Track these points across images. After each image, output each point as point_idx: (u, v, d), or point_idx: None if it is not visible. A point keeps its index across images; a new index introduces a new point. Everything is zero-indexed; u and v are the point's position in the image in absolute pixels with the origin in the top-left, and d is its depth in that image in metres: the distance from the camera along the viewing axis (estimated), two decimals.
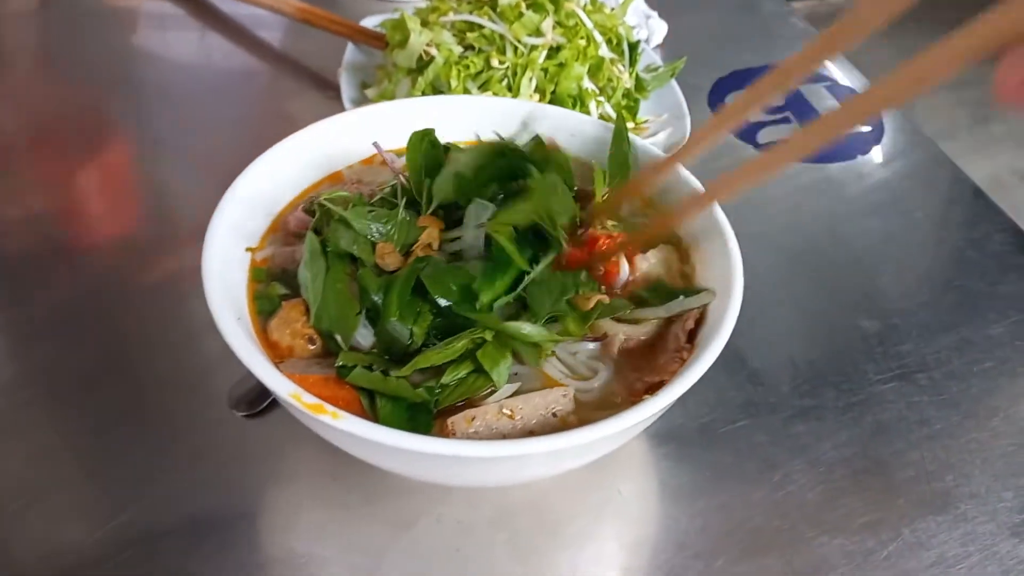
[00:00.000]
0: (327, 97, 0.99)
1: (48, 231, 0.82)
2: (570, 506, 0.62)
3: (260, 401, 0.64)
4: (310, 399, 0.46)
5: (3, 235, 0.81)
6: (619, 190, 0.63)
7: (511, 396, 0.51)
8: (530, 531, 0.60)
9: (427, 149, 0.61)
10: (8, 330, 0.73)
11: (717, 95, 1.05)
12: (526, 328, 0.52)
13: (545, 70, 0.83)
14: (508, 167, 0.59)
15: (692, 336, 0.56)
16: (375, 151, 0.64)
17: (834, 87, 1.08)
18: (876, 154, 0.99)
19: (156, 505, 0.60)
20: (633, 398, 0.52)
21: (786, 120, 1.01)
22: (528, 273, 0.54)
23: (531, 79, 0.82)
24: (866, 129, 1.01)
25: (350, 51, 0.98)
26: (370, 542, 0.58)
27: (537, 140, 0.64)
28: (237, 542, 0.58)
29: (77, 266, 0.78)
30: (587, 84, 0.84)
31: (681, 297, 0.57)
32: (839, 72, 1.12)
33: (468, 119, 0.70)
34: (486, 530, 0.60)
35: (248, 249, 0.59)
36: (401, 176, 0.61)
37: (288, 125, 0.65)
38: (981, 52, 0.28)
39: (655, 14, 1.13)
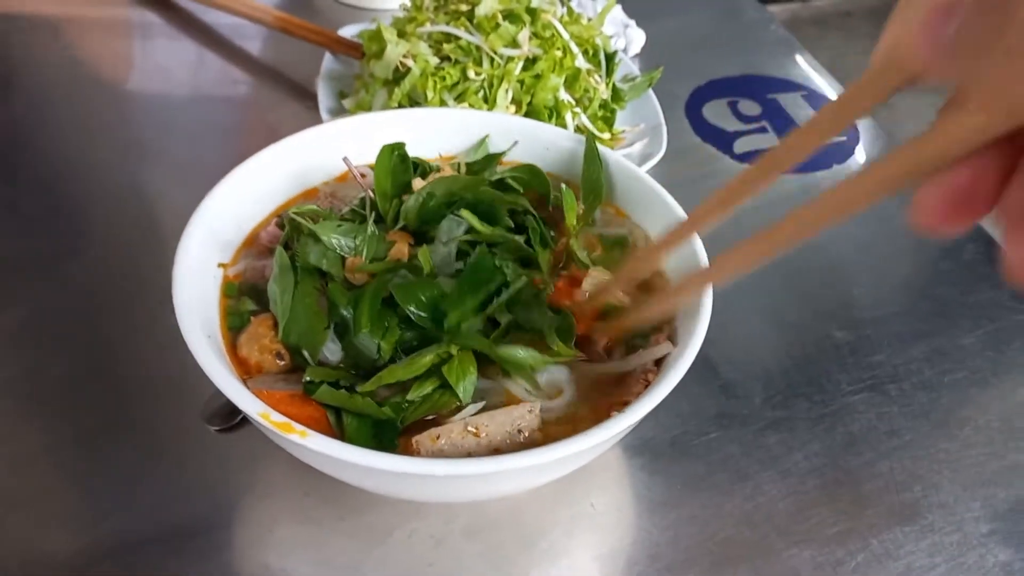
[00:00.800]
0: (306, 107, 0.99)
1: (27, 237, 0.82)
2: (544, 519, 0.62)
3: (233, 416, 0.64)
4: (278, 418, 0.46)
5: None
6: (626, 265, 0.60)
7: (476, 413, 0.52)
8: (504, 545, 0.60)
9: (396, 163, 0.62)
10: None
11: (694, 104, 1.05)
12: (519, 353, 0.52)
13: (521, 81, 0.84)
14: (481, 200, 0.59)
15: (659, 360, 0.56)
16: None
17: (811, 96, 1.09)
18: (852, 163, 0.99)
19: (135, 516, 0.60)
20: (599, 416, 0.52)
21: (763, 129, 1.02)
22: (500, 292, 0.55)
23: (507, 90, 0.83)
24: (842, 138, 1.02)
25: (328, 60, 0.98)
26: (343, 557, 0.59)
27: (515, 170, 0.65)
28: (213, 556, 0.58)
29: (56, 273, 0.78)
30: (563, 95, 0.85)
31: (640, 351, 0.56)
32: (818, 80, 1.13)
33: (444, 132, 0.70)
34: (460, 544, 0.60)
35: (220, 265, 0.59)
36: (370, 191, 0.61)
37: (267, 134, 0.65)
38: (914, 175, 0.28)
39: (633, 23, 1.13)
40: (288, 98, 1.03)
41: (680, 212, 0.62)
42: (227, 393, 0.47)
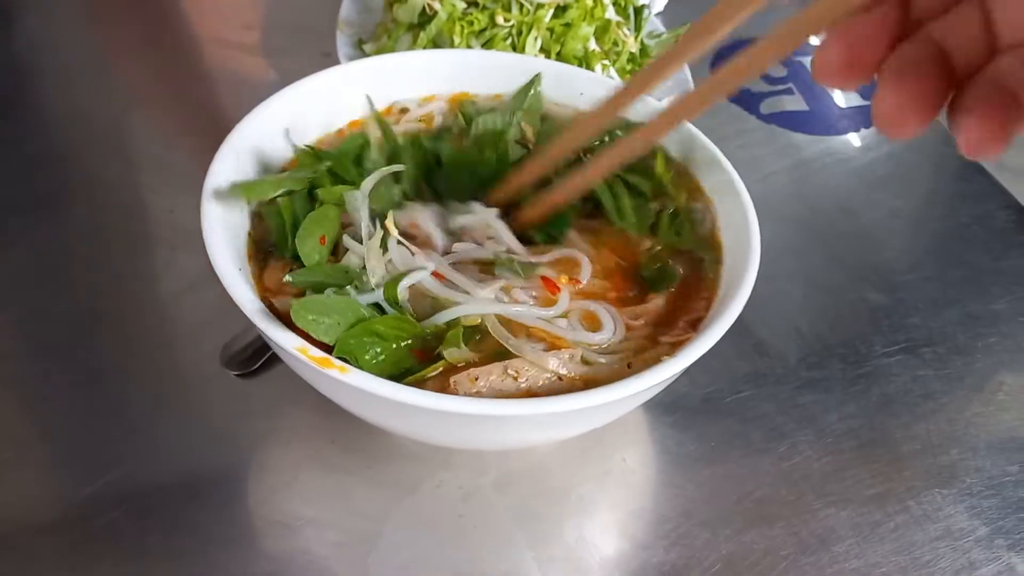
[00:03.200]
0: (322, 54, 0.95)
1: (32, 178, 0.79)
2: (573, 473, 0.60)
3: (254, 360, 0.62)
4: (316, 352, 0.44)
5: None
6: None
7: (515, 359, 0.49)
8: (534, 498, 0.58)
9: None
10: None
11: (719, 64, 1.02)
12: None
13: (551, 30, 0.81)
14: None
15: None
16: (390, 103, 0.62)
17: None
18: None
19: (148, 462, 0.57)
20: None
21: (789, 91, 1.00)
22: None
23: (536, 39, 0.80)
24: (867, 103, 1.00)
25: (345, 7, 0.94)
26: (370, 507, 0.57)
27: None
28: (233, 503, 0.56)
29: (63, 215, 0.75)
30: (593, 46, 0.82)
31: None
32: None
33: (489, 74, 0.67)
34: (490, 496, 0.58)
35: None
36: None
37: (284, 80, 0.62)
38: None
39: None
40: (302, 45, 0.99)
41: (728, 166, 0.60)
42: (261, 327, 0.45)
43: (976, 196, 0.90)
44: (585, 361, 0.50)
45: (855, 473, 0.62)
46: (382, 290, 0.49)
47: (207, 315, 0.66)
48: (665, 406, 0.65)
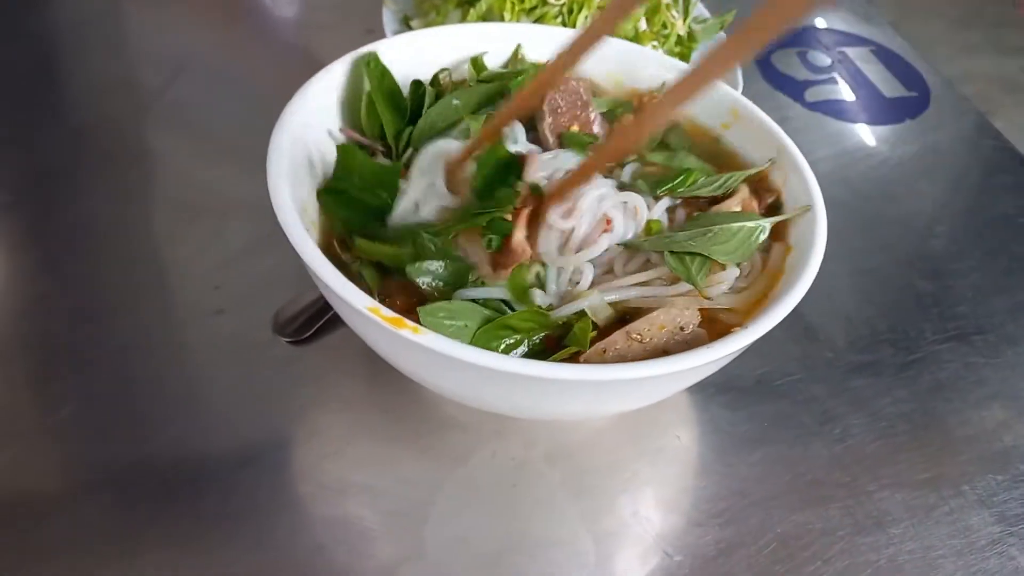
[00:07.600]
0: (366, 30, 0.95)
1: (77, 147, 0.79)
2: (627, 449, 0.60)
3: (307, 327, 0.62)
4: (388, 312, 0.43)
5: (41, 149, 0.78)
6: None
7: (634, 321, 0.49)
8: (586, 471, 0.58)
9: (378, 79, 0.59)
10: (44, 243, 0.69)
11: (763, 52, 1.02)
12: None
13: (602, 8, 0.80)
14: None
15: None
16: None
17: (879, 51, 1.06)
18: (924, 119, 0.97)
19: (201, 426, 0.57)
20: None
21: (833, 80, 0.99)
22: None
23: (587, 17, 0.80)
24: (913, 94, 0.99)
25: None
26: (423, 476, 0.56)
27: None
28: (284, 468, 0.56)
29: (110, 184, 0.75)
30: (643, 26, 0.82)
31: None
32: (887, 35, 1.10)
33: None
34: (542, 468, 0.58)
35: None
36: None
37: (329, 54, 0.62)
38: None
39: None
40: (345, 22, 0.99)
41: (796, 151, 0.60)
42: (333, 287, 0.44)
43: (1019, 187, 0.89)
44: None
45: (908, 456, 0.62)
46: (504, 288, 0.50)
47: (258, 281, 0.66)
48: (717, 386, 0.64)
